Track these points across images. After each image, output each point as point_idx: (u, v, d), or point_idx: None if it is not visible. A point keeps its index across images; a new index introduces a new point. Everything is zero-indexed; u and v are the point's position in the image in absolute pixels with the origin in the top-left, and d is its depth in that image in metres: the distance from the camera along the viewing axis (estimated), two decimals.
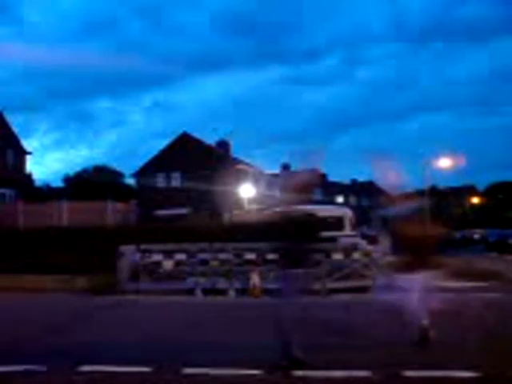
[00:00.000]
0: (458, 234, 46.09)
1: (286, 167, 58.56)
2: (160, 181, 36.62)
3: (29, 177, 40.48)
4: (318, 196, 55.70)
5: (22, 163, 36.41)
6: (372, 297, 10.00)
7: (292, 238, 4.87)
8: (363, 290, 11.97)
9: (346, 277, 12.44)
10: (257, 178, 36.49)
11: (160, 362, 4.62)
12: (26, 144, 38.53)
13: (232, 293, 11.69)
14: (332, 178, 63.62)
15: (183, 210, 29.05)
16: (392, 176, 5.90)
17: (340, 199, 61.31)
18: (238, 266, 12.31)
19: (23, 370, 4.38)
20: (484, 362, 4.64)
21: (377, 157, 6.28)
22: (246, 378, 4.19)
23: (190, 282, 11.98)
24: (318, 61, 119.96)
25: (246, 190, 29.36)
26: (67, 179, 54.78)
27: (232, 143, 41.41)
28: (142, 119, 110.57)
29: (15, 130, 35.54)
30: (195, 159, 34.68)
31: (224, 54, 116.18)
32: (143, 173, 37.06)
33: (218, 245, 12.70)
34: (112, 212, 20.94)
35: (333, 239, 16.30)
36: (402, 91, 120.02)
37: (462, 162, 37.74)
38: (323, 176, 61.53)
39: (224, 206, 29.21)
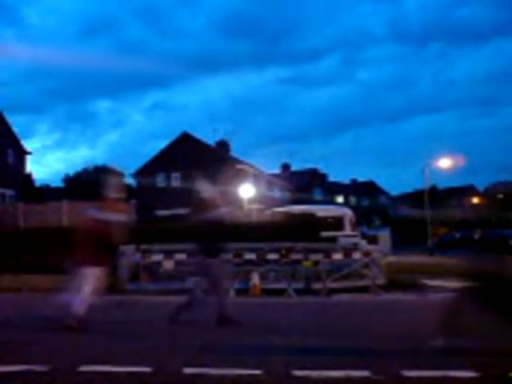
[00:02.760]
0: (457, 234, 46.09)
1: (285, 167, 58.58)
2: (160, 181, 36.62)
3: (29, 177, 40.52)
4: (318, 196, 55.68)
5: (22, 163, 36.42)
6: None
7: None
8: (363, 289, 12.00)
9: (346, 277, 12.47)
10: (257, 178, 36.48)
11: (160, 362, 4.62)
12: (27, 144, 38.58)
13: (232, 293, 11.70)
14: (332, 178, 63.66)
15: (183, 210, 29.03)
16: None
17: (340, 199, 61.29)
18: (238, 266, 12.32)
19: (23, 370, 4.38)
20: (484, 361, 4.64)
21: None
22: (246, 378, 4.18)
23: (189, 281, 11.97)
24: (318, 61, 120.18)
25: (246, 190, 29.35)
26: (67, 179, 54.82)
27: (232, 143, 41.49)
28: (143, 119, 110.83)
29: (15, 130, 35.57)
30: (195, 159, 34.68)
31: (224, 55, 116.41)
32: (143, 173, 37.07)
33: None
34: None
35: (333, 239, 16.37)
36: (402, 92, 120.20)
37: (462, 162, 37.82)
38: (323, 176, 61.50)
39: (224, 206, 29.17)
